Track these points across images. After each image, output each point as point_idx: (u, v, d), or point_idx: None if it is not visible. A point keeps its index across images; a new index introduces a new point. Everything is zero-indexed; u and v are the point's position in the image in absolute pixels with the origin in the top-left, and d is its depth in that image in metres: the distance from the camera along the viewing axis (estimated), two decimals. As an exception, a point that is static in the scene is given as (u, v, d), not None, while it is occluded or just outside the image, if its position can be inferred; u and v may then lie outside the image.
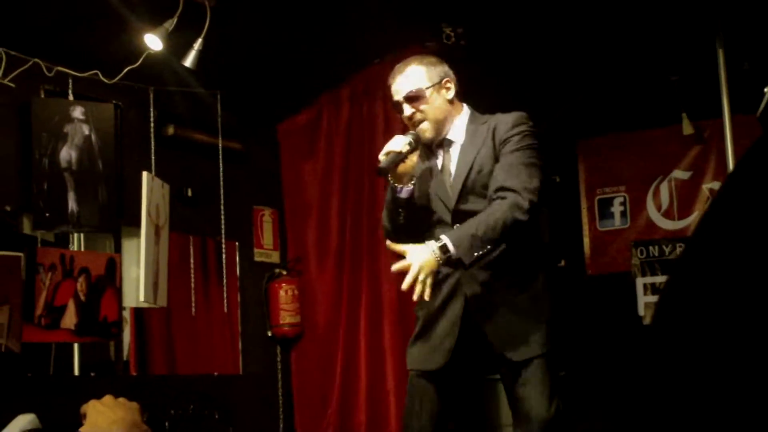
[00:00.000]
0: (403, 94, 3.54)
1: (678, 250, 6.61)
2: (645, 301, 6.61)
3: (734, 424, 0.89)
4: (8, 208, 4.80)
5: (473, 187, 3.48)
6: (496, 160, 3.46)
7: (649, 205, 6.81)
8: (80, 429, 2.03)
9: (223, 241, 5.94)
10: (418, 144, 3.49)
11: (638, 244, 6.75)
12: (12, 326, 4.58)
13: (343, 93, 6.25)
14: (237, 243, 6.09)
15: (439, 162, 3.61)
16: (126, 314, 5.36)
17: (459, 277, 3.47)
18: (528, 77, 6.06)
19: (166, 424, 5.15)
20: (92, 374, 5.23)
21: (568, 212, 7.01)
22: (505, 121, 3.51)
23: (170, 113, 5.71)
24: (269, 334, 6.21)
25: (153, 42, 4.95)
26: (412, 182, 3.52)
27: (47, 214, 4.95)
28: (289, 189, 6.45)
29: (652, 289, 6.61)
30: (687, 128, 6.55)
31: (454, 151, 3.58)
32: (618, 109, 6.63)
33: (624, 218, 6.89)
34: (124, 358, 5.41)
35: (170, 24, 4.89)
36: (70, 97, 5.18)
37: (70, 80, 5.17)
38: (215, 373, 5.87)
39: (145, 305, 5.24)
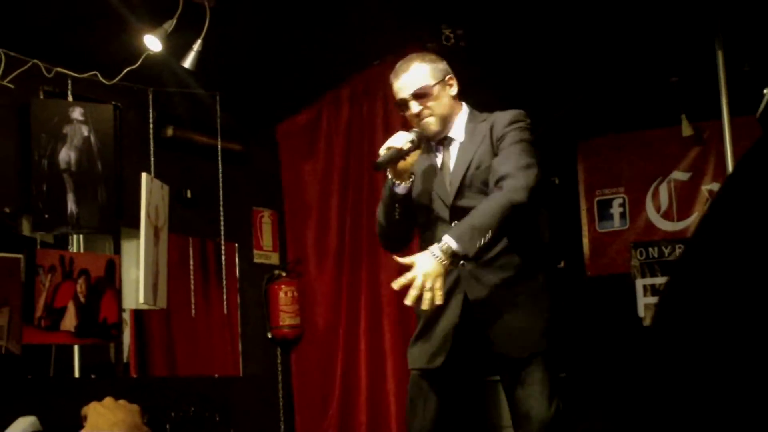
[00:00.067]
0: (411, 91, 3.54)
1: (677, 251, 6.61)
2: (645, 302, 6.61)
3: (734, 425, 0.89)
4: (7, 210, 4.79)
5: (471, 183, 3.48)
6: (495, 156, 3.47)
7: (648, 207, 6.81)
8: (81, 431, 2.03)
9: (223, 242, 5.93)
10: (420, 143, 3.49)
11: (638, 245, 6.75)
12: (12, 328, 4.58)
13: (342, 94, 6.25)
14: (236, 244, 6.09)
15: (439, 160, 3.61)
16: (126, 316, 5.35)
17: (458, 276, 3.47)
18: (527, 78, 6.06)
19: (167, 425, 5.14)
20: (92, 376, 5.23)
21: (568, 213, 7.01)
22: (502, 118, 3.52)
23: (169, 114, 5.71)
24: (269, 336, 6.21)
25: (152, 43, 4.95)
26: (411, 179, 3.53)
27: (46, 216, 4.94)
28: (288, 190, 6.45)
29: (652, 290, 6.61)
30: (686, 129, 6.55)
31: (454, 149, 3.59)
32: (617, 110, 6.63)
33: (623, 219, 6.89)
34: (124, 360, 5.40)
35: (169, 25, 4.89)
36: (70, 98, 5.17)
37: (70, 81, 5.17)
38: (215, 375, 5.87)
39: (145, 307, 5.23)
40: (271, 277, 6.25)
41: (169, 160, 5.65)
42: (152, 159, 5.51)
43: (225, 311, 5.93)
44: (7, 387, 4.55)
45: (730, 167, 5.48)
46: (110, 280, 5.14)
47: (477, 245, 3.22)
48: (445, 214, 3.49)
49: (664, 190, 6.76)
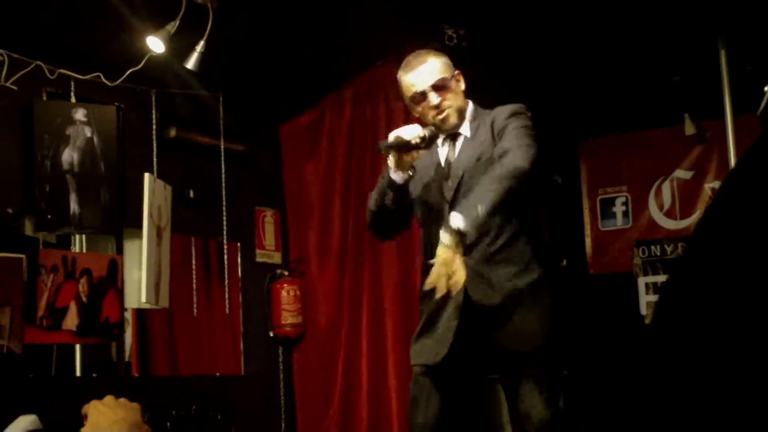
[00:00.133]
0: (431, 83, 3.55)
1: (680, 249, 6.61)
2: (647, 300, 6.61)
3: (734, 423, 0.89)
4: (10, 210, 4.81)
5: (471, 177, 3.49)
6: (494, 147, 3.48)
7: (651, 205, 6.81)
8: (81, 429, 2.03)
9: (225, 242, 5.94)
10: (431, 141, 3.49)
11: (640, 243, 6.75)
12: (14, 327, 4.59)
13: (345, 94, 6.25)
14: (239, 244, 6.10)
15: (443, 155, 3.62)
16: (128, 315, 5.37)
17: None
18: (530, 78, 6.06)
19: (168, 424, 5.15)
20: (94, 375, 5.24)
21: (570, 212, 7.00)
22: (503, 111, 3.55)
23: (172, 115, 5.72)
24: (271, 335, 6.21)
25: (155, 44, 4.96)
26: (410, 172, 3.52)
27: (49, 216, 4.95)
28: (290, 190, 6.45)
29: (654, 288, 6.61)
30: (689, 128, 6.55)
31: (459, 145, 3.60)
32: (620, 110, 6.63)
33: (626, 218, 6.89)
34: (126, 359, 5.41)
35: (172, 26, 4.89)
36: (73, 100, 5.19)
37: (72, 82, 5.18)
38: (217, 374, 5.88)
39: (147, 306, 5.24)
40: (273, 277, 6.26)
41: (172, 161, 5.66)
42: (155, 159, 5.52)
43: (227, 310, 5.94)
44: (8, 386, 4.56)
45: (732, 166, 5.48)
46: (112, 279, 5.15)
47: (478, 212, 3.16)
48: (445, 207, 3.50)
49: (666, 189, 6.76)
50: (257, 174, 6.31)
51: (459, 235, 3.14)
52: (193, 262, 5.81)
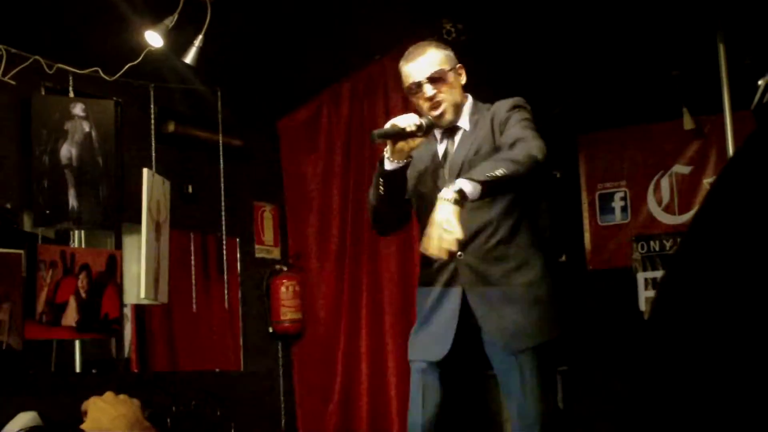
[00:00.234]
0: (427, 74, 3.53)
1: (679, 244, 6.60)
2: (646, 295, 6.61)
3: (731, 417, 0.89)
4: (9, 206, 4.80)
5: (471, 168, 3.48)
6: (494, 142, 3.47)
7: (649, 200, 6.80)
8: (82, 426, 2.03)
9: (224, 237, 5.94)
10: (428, 130, 3.47)
11: (639, 238, 6.75)
12: (13, 323, 4.58)
13: (343, 88, 6.25)
14: (238, 239, 6.10)
15: (442, 148, 3.61)
16: (127, 311, 5.36)
17: (456, 268, 3.48)
18: (529, 73, 6.05)
19: (168, 420, 5.15)
20: (93, 371, 5.23)
21: (569, 207, 7.00)
22: (503, 105, 3.54)
23: (170, 110, 5.72)
24: (270, 331, 6.21)
25: (153, 39, 4.95)
26: (405, 161, 3.50)
27: (48, 211, 4.94)
28: (289, 185, 6.45)
29: (653, 283, 6.61)
30: (688, 123, 6.54)
31: (458, 138, 3.60)
32: (619, 104, 6.62)
33: (625, 213, 6.88)
34: (126, 355, 5.41)
35: (170, 21, 4.89)
36: (71, 94, 5.18)
37: (71, 77, 5.17)
38: (216, 370, 5.88)
39: (146, 302, 5.24)
40: (272, 272, 6.26)
41: (170, 156, 5.66)
42: (153, 154, 5.51)
43: (226, 306, 5.94)
44: (8, 382, 4.55)
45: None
46: (111, 275, 5.15)
47: (486, 176, 3.10)
48: None
49: (665, 184, 6.75)
50: (256, 169, 6.31)
51: (461, 194, 3.11)
52: (192, 257, 5.81)
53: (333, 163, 6.25)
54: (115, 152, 5.28)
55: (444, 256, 3.11)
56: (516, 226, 3.50)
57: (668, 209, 6.74)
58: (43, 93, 5.08)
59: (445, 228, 3.04)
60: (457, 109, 3.59)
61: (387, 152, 3.48)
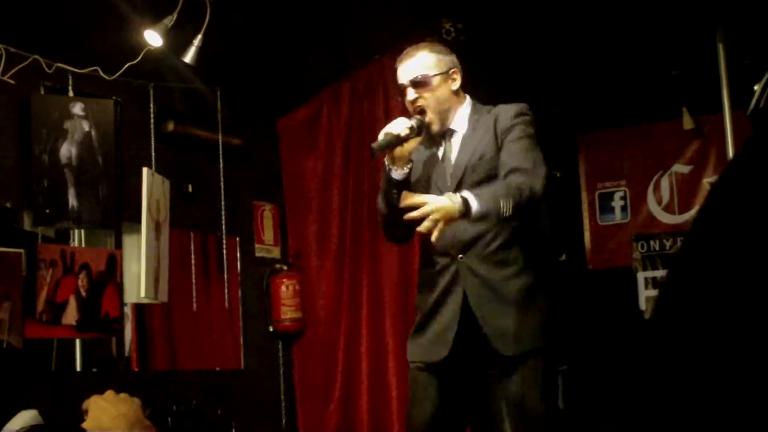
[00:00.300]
0: (410, 78, 3.54)
1: (679, 244, 6.60)
2: (646, 295, 6.61)
3: (734, 419, 0.89)
4: (8, 205, 4.80)
5: (472, 174, 3.48)
6: (498, 148, 3.47)
7: (649, 200, 6.80)
8: (82, 425, 2.03)
9: (224, 236, 5.94)
10: (421, 130, 3.48)
11: (639, 238, 6.75)
12: (13, 322, 4.58)
13: (343, 88, 6.25)
14: (237, 238, 6.10)
15: (441, 151, 3.61)
16: (127, 310, 5.36)
17: (457, 271, 3.48)
18: (528, 72, 6.05)
19: (169, 419, 5.15)
20: (94, 370, 5.23)
21: (569, 207, 7.00)
22: (507, 111, 3.53)
23: (170, 109, 5.71)
24: (271, 329, 6.21)
25: (153, 38, 4.95)
26: (408, 166, 3.52)
27: (47, 211, 4.95)
28: (289, 184, 6.45)
29: (653, 283, 6.61)
30: (687, 122, 6.54)
31: (456, 141, 3.60)
32: (618, 104, 6.62)
33: (624, 212, 6.88)
34: (126, 354, 5.41)
35: (170, 20, 4.89)
36: (70, 94, 5.18)
37: (70, 76, 5.17)
38: (217, 369, 5.88)
39: (146, 301, 5.24)
40: (272, 271, 6.26)
41: (170, 155, 5.66)
42: (153, 154, 5.51)
43: (226, 305, 5.94)
44: (8, 381, 4.55)
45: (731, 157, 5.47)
46: (111, 274, 5.15)
47: (495, 207, 3.16)
48: None
49: (665, 183, 6.75)
50: (255, 168, 6.31)
51: (465, 204, 3.13)
52: (192, 256, 5.81)
53: (333, 163, 6.25)
54: (115, 151, 5.28)
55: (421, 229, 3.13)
56: (517, 230, 3.49)
57: (668, 209, 6.74)
58: (42, 92, 5.08)
59: (432, 217, 3.07)
60: (444, 114, 3.57)
61: (388, 162, 3.48)
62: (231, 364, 5.97)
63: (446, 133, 3.61)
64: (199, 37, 4.96)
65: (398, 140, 3.41)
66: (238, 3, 5.13)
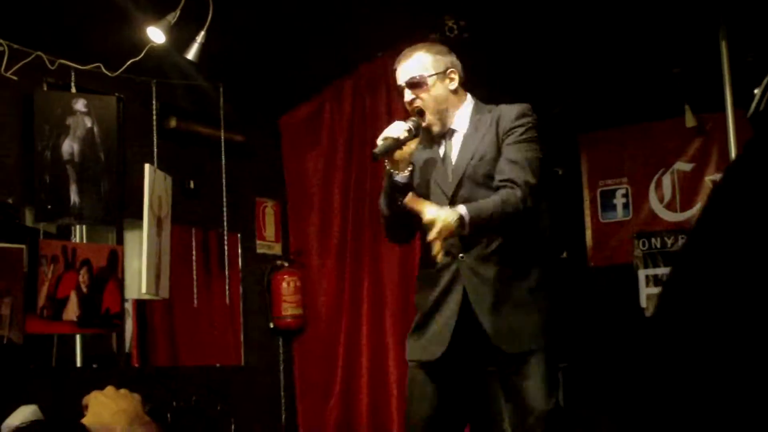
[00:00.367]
0: (406, 79, 3.55)
1: (680, 242, 6.60)
2: (647, 292, 6.61)
3: (735, 418, 0.89)
4: (10, 201, 4.80)
5: (474, 174, 3.49)
6: (499, 149, 3.48)
7: (651, 197, 6.80)
8: (82, 420, 2.03)
9: (225, 233, 5.94)
10: (418, 131, 3.50)
11: (640, 235, 6.75)
12: (14, 318, 4.59)
13: (345, 85, 6.25)
14: (239, 235, 6.09)
15: (442, 150, 3.62)
16: (128, 306, 5.37)
17: (457, 269, 3.48)
18: (531, 70, 6.05)
19: (168, 415, 5.16)
20: (94, 366, 5.24)
21: (571, 204, 7.00)
22: (509, 112, 3.53)
23: (172, 105, 5.72)
24: (271, 326, 6.21)
25: (155, 34, 4.95)
26: (410, 168, 3.53)
27: (49, 207, 4.95)
28: (291, 181, 6.45)
29: (655, 280, 6.61)
30: (690, 120, 6.54)
31: (457, 140, 3.60)
32: (620, 101, 6.62)
33: (626, 210, 6.88)
34: (126, 350, 5.41)
35: (173, 16, 4.89)
36: (73, 90, 5.18)
37: (73, 73, 5.17)
38: (217, 365, 5.88)
39: (147, 297, 5.24)
40: (273, 268, 6.26)
41: (172, 151, 5.66)
42: (155, 150, 5.52)
43: (227, 301, 5.94)
44: (9, 376, 4.56)
45: (733, 158, 5.47)
46: (112, 270, 5.15)
47: (479, 232, 3.29)
48: (445, 204, 3.49)
49: (667, 181, 6.76)
50: (257, 165, 6.31)
51: (461, 223, 3.17)
52: (194, 253, 5.81)
53: (335, 160, 6.25)
54: (117, 148, 5.28)
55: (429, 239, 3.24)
56: (518, 229, 3.50)
57: (670, 206, 6.74)
58: (45, 88, 5.08)
59: (437, 230, 3.17)
60: (444, 114, 3.58)
61: (389, 166, 3.49)
62: (231, 360, 5.97)
63: (447, 133, 3.61)
64: (202, 33, 4.96)
65: (398, 143, 3.43)
66: (241, 0, 5.13)
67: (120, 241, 5.31)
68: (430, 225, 3.19)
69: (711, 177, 6.60)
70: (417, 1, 5.36)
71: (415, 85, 3.55)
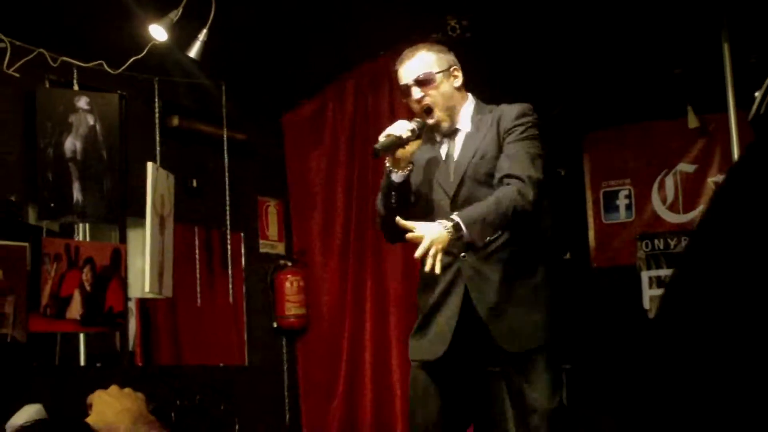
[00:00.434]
0: (414, 77, 3.55)
1: (683, 243, 6.60)
2: (650, 294, 6.61)
3: (736, 418, 0.89)
4: (13, 198, 4.80)
5: (475, 173, 3.49)
6: (500, 147, 3.48)
7: (654, 198, 6.80)
8: (86, 419, 2.03)
9: (228, 232, 5.94)
10: (421, 133, 3.50)
11: (643, 237, 6.74)
12: (18, 316, 4.59)
13: (348, 84, 6.25)
14: (242, 234, 6.09)
15: (444, 150, 3.62)
16: (131, 305, 5.37)
17: (459, 269, 3.48)
18: (533, 70, 6.05)
19: (172, 414, 5.16)
20: (98, 365, 5.23)
21: (574, 205, 7.00)
22: (510, 111, 3.53)
23: (175, 104, 5.71)
24: (275, 326, 6.22)
25: (158, 32, 4.95)
26: (409, 168, 3.53)
27: (52, 204, 4.95)
28: (294, 180, 6.45)
29: (657, 282, 6.60)
30: (692, 121, 6.54)
31: (459, 140, 3.60)
32: (623, 102, 6.62)
33: (629, 211, 6.88)
34: (130, 349, 5.41)
35: (175, 14, 4.89)
36: (75, 87, 5.18)
37: (75, 70, 5.17)
38: (220, 364, 5.88)
39: (151, 296, 5.24)
40: (276, 267, 6.26)
41: (175, 150, 5.66)
42: (158, 148, 5.51)
43: (230, 300, 5.94)
44: (12, 375, 4.56)
45: (736, 159, 5.47)
46: (116, 268, 5.15)
47: (484, 240, 3.27)
48: (446, 203, 3.50)
49: (670, 182, 6.75)
50: (260, 163, 6.31)
51: (458, 237, 3.19)
52: (197, 251, 5.81)
53: (337, 159, 6.25)
54: (120, 146, 5.28)
55: (426, 269, 3.23)
56: (519, 228, 3.49)
57: (673, 208, 6.74)
58: (47, 86, 5.08)
59: (431, 253, 3.17)
60: (452, 111, 3.58)
61: (388, 164, 3.50)
62: (235, 359, 5.97)
63: (449, 133, 3.62)
64: (205, 31, 4.96)
65: (400, 142, 3.43)
66: (244, -2, 5.14)
67: (123, 239, 5.30)
68: (414, 241, 3.21)
69: (714, 178, 6.59)
70: (419, 1, 5.36)
71: (424, 82, 3.55)
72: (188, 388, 5.39)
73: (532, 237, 3.56)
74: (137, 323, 5.44)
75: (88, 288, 4.99)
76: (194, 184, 5.79)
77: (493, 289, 3.45)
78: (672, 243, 6.64)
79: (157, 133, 5.55)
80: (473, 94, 3.70)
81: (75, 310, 4.93)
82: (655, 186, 6.78)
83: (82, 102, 5.13)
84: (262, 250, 6.25)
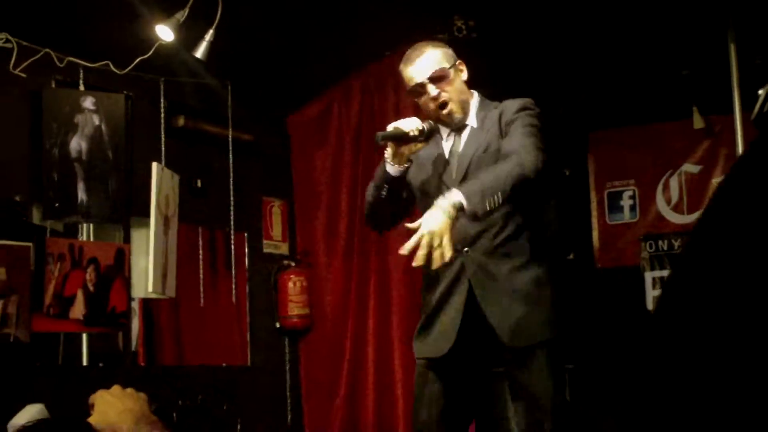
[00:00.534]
0: (428, 75, 3.53)
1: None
2: (654, 294, 6.60)
3: (735, 417, 0.89)
4: (18, 198, 4.81)
5: (478, 167, 3.48)
6: (502, 139, 3.48)
7: (658, 199, 6.79)
8: (88, 419, 2.04)
9: (232, 232, 5.94)
10: (429, 136, 3.49)
11: (647, 237, 6.73)
12: (21, 316, 4.59)
13: (353, 85, 6.25)
14: (246, 234, 6.10)
15: (448, 146, 3.61)
16: (134, 305, 5.37)
17: (462, 264, 3.47)
18: (539, 70, 6.05)
19: (175, 415, 5.16)
20: (101, 364, 5.24)
21: (578, 205, 6.99)
22: (512, 105, 3.53)
23: (181, 104, 5.72)
24: (277, 326, 6.22)
25: (164, 33, 4.96)
26: (406, 165, 3.52)
27: (57, 204, 4.96)
28: (298, 180, 6.45)
29: (661, 283, 6.60)
30: (698, 122, 6.53)
31: (465, 136, 3.60)
32: (628, 103, 6.61)
33: (633, 212, 6.87)
34: (133, 349, 5.42)
35: (182, 15, 4.89)
36: (81, 88, 5.19)
37: (81, 70, 5.18)
38: (223, 364, 5.88)
39: (154, 296, 5.25)
40: (280, 267, 6.26)
41: (180, 150, 5.67)
42: (163, 148, 5.52)
43: (234, 301, 5.95)
44: (15, 374, 4.57)
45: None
46: (119, 268, 5.16)
47: (486, 206, 3.15)
48: None
49: (674, 183, 6.74)
50: (265, 164, 6.32)
51: (459, 210, 3.12)
52: (200, 252, 5.81)
53: (342, 159, 6.25)
54: (125, 146, 5.29)
55: (434, 266, 3.10)
56: (523, 223, 3.49)
57: (677, 208, 6.73)
58: (53, 86, 5.09)
59: (435, 245, 3.04)
60: (464, 105, 3.59)
61: (388, 155, 3.49)
62: (237, 360, 5.97)
63: (456, 129, 3.62)
64: (211, 32, 4.97)
65: (404, 137, 3.41)
66: (250, -2, 5.14)
67: (127, 239, 5.31)
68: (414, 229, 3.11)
69: (718, 179, 6.58)
70: (425, 1, 5.36)
71: (438, 78, 3.54)
72: (191, 388, 5.40)
73: (536, 231, 3.55)
74: (140, 323, 5.45)
75: (91, 288, 5.00)
76: (199, 184, 5.80)
77: (496, 284, 3.44)
78: (676, 244, 6.63)
79: (163, 133, 5.56)
80: (479, 94, 3.71)
81: (78, 310, 4.94)
82: (660, 187, 6.78)
83: (88, 102, 5.15)
84: (266, 250, 6.25)
